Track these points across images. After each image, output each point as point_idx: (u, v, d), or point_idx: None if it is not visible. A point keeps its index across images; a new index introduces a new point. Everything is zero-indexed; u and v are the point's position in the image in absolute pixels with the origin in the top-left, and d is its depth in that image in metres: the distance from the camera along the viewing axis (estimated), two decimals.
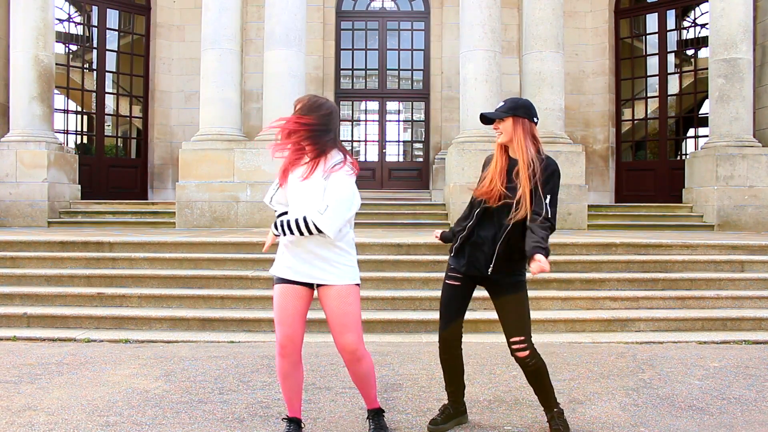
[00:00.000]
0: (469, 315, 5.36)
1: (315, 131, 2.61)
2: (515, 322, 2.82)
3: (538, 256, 2.51)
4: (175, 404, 3.36)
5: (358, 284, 2.73)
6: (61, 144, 10.53)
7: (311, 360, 4.16)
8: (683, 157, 11.86)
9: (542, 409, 3.13)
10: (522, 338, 2.79)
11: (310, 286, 2.70)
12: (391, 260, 6.18)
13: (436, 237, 3.08)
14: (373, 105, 13.12)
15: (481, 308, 5.56)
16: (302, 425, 2.84)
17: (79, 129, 12.39)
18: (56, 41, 10.90)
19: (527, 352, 2.79)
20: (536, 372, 2.83)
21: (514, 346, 2.81)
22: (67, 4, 12.31)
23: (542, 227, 2.61)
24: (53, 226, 9.83)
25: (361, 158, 13.07)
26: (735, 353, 4.68)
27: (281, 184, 2.73)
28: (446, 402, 3.11)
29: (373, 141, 13.06)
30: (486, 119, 2.84)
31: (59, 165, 10.25)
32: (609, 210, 10.49)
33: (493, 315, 5.28)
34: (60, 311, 5.44)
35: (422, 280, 5.89)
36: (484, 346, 4.76)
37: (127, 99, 12.78)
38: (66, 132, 11.90)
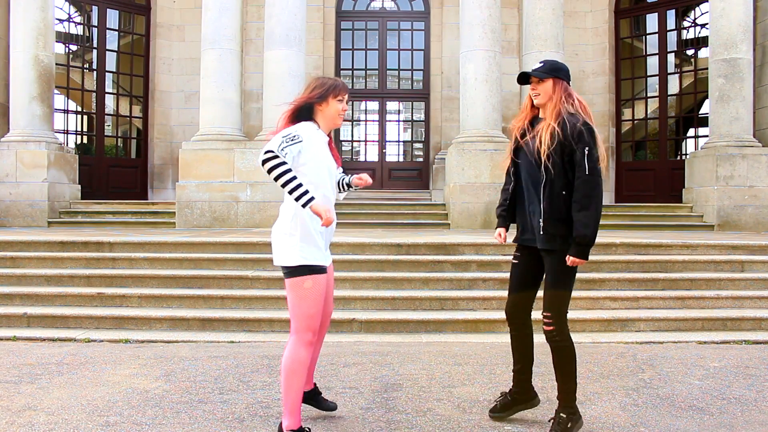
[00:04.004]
0: (468, 315, 5.41)
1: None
2: (547, 296, 2.83)
3: (571, 258, 2.72)
4: (175, 404, 3.36)
5: None
6: (61, 144, 10.53)
7: None
8: (683, 157, 11.85)
9: (543, 409, 3.14)
10: (549, 314, 2.81)
11: None
12: (391, 260, 6.18)
13: (501, 237, 3.08)
14: (373, 105, 13.12)
15: (481, 308, 5.57)
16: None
17: (79, 129, 12.39)
18: (56, 41, 10.90)
19: (552, 327, 2.81)
20: (559, 351, 2.82)
21: (543, 319, 2.84)
22: (67, 4, 12.31)
23: (582, 207, 2.68)
24: (53, 226, 9.83)
25: (361, 158, 13.07)
26: (735, 353, 4.68)
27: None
28: (505, 390, 3.17)
29: (373, 141, 13.06)
30: (522, 79, 2.90)
31: (59, 165, 10.25)
32: (609, 210, 10.48)
33: (493, 315, 5.32)
34: (60, 311, 5.44)
35: (422, 280, 5.89)
36: (484, 346, 4.76)
37: (127, 99, 12.78)
38: (66, 132, 11.90)
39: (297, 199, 2.51)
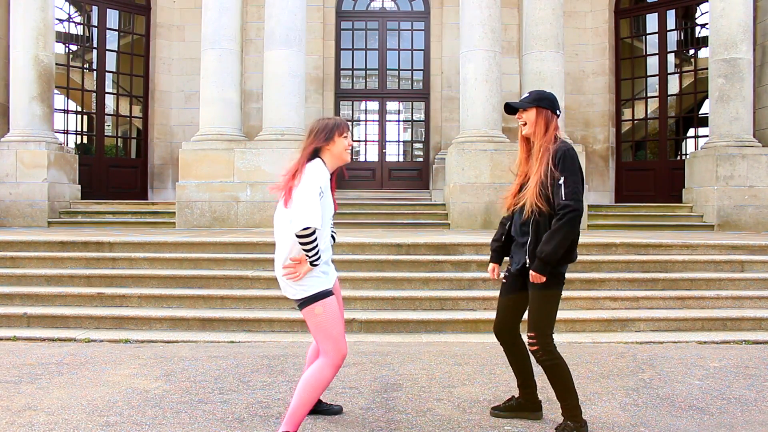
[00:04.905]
0: (468, 315, 5.41)
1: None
2: (531, 318, 2.88)
3: (531, 272, 2.79)
4: (175, 404, 3.36)
5: None
6: (61, 144, 10.53)
7: None
8: (683, 157, 11.85)
9: (543, 409, 3.15)
10: (533, 334, 2.84)
11: None
12: (391, 260, 6.18)
13: (494, 273, 3.16)
14: (373, 105, 13.12)
15: (481, 308, 5.57)
16: None
17: (79, 129, 12.39)
18: (56, 41, 10.90)
19: (536, 347, 2.84)
20: (550, 369, 2.85)
21: (528, 340, 2.89)
22: (67, 4, 12.31)
23: (553, 229, 2.72)
24: (53, 226, 9.82)
25: (361, 158, 13.07)
26: (735, 353, 4.68)
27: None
28: (506, 391, 3.29)
29: (373, 141, 13.06)
30: (510, 109, 2.99)
31: (59, 165, 10.25)
32: (609, 210, 10.49)
33: (493, 315, 5.29)
34: (60, 311, 5.44)
35: (422, 280, 5.89)
36: (485, 346, 4.76)
37: (127, 99, 12.77)
38: (66, 132, 11.89)
39: (312, 261, 2.67)
